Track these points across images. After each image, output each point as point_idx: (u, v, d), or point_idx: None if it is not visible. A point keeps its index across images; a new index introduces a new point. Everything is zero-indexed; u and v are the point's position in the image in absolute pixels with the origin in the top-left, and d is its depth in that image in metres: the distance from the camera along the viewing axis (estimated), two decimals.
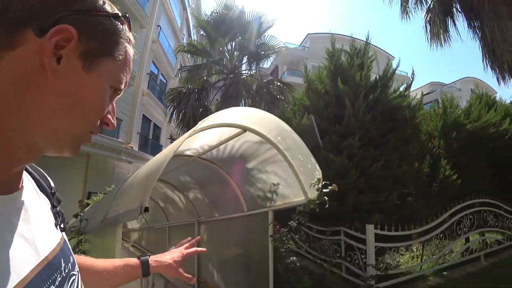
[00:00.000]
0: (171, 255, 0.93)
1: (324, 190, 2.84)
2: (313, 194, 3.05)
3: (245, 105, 6.74)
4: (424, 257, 5.36)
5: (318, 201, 2.85)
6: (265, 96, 6.94)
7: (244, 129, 2.66)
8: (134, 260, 0.84)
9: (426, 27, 8.36)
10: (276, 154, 2.99)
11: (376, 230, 4.22)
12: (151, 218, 6.73)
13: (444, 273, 5.20)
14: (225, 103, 7.09)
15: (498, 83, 6.85)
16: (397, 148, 4.26)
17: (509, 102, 8.69)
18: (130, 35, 0.49)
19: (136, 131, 13.02)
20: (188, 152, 3.37)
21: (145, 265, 0.83)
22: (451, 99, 6.70)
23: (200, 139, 3.07)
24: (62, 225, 0.53)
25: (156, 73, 14.71)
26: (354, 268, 4.61)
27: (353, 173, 3.96)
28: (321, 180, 2.89)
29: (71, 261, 0.50)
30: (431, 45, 8.27)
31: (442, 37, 8.01)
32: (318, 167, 3.04)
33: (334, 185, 2.89)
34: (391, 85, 4.96)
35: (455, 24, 8.02)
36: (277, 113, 6.37)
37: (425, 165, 5.12)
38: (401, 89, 4.78)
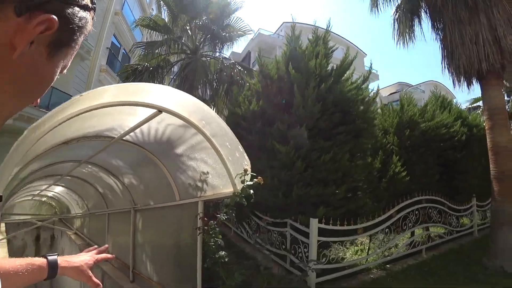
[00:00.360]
0: (81, 258, 0.86)
1: (248, 183, 2.59)
2: (242, 185, 2.80)
3: (203, 90, 6.30)
4: (370, 250, 5.42)
5: (243, 195, 2.60)
6: (225, 80, 6.54)
7: (159, 110, 2.29)
8: (40, 260, 0.75)
9: (394, 24, 8.37)
10: (203, 140, 2.68)
11: (320, 224, 4.10)
12: (92, 204, 6.19)
13: (387, 266, 5.30)
14: (180, 86, 6.60)
15: (454, 85, 6.99)
16: (347, 141, 4.12)
17: (464, 107, 9.03)
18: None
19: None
20: (107, 133, 2.94)
21: (52, 265, 0.76)
22: (410, 98, 6.76)
23: (117, 119, 2.65)
24: None
25: (118, 48, 13.62)
26: (297, 261, 4.50)
27: (300, 165, 3.76)
28: (248, 171, 2.64)
29: None
30: (397, 43, 8.30)
31: (407, 35, 8.04)
32: (246, 157, 2.77)
33: (259, 177, 2.65)
34: (349, 77, 4.79)
35: (420, 24, 8.08)
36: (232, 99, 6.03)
37: (378, 160, 5.09)
38: (358, 81, 4.63)
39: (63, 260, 0.80)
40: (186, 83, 6.32)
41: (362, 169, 4.62)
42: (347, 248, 5.01)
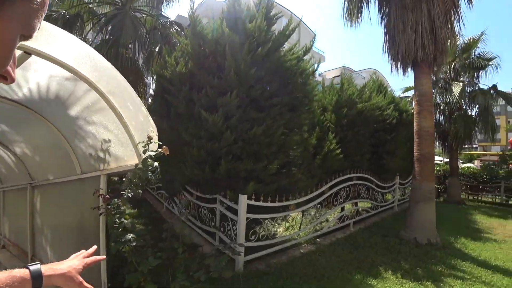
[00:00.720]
0: (68, 264, 0.80)
1: (150, 153, 2.16)
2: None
3: (134, 50, 5.37)
4: (302, 225, 5.53)
5: (145, 168, 2.18)
6: (159, 40, 5.74)
7: (27, 51, 1.65)
8: (20, 271, 0.67)
9: (344, 3, 8.30)
10: (99, 99, 2.11)
11: (250, 201, 3.90)
12: None
13: (318, 240, 5.49)
14: (103, 43, 5.59)
15: (391, 70, 7.25)
16: (283, 114, 3.89)
17: (397, 95, 9.64)
18: None
19: None
20: None
21: (36, 276, 0.68)
22: (350, 78, 6.86)
23: None
24: None
25: None
26: (226, 239, 4.30)
27: (228, 136, 3.42)
28: (153, 139, 2.20)
29: None
30: (345, 23, 8.28)
31: (355, 16, 8.04)
32: (152, 121, 2.31)
33: (164, 147, 2.23)
34: (292, 48, 4.50)
35: (368, 6, 8.14)
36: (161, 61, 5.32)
37: (314, 136, 5.04)
38: (299, 52, 4.36)
39: (48, 268, 0.74)
40: (110, 40, 5.34)
41: (298, 145, 4.50)
42: (279, 224, 4.98)
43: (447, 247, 5.29)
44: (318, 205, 5.38)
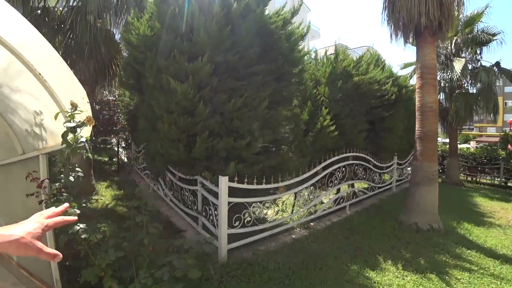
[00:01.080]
0: (23, 228, 0.62)
1: (69, 124, 1.69)
2: (86, 131, 1.88)
3: (99, 12, 4.68)
4: (294, 208, 5.15)
5: (69, 145, 1.71)
6: (132, 5, 5.07)
7: None
8: None
9: None
10: (15, 60, 1.59)
11: (231, 183, 3.45)
12: None
13: (311, 224, 5.12)
14: (70, 11, 4.96)
15: (391, 39, 6.68)
16: (267, 84, 3.38)
17: (395, 71, 9.08)
18: None
19: None
20: None
21: None
22: (345, 51, 6.30)
23: None
24: None
25: None
26: (208, 224, 3.90)
27: (202, 109, 2.92)
28: (78, 107, 1.72)
29: None
30: None
31: None
32: (80, 85, 1.82)
33: (88, 116, 1.75)
34: (279, 11, 3.93)
35: None
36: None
37: (306, 111, 4.55)
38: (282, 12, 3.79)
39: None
40: (75, 7, 4.70)
41: (287, 120, 4.02)
42: (267, 208, 4.57)
43: (450, 233, 4.93)
44: (312, 187, 4.97)
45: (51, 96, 1.69)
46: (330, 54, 6.34)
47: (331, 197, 5.76)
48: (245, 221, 3.78)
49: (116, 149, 9.52)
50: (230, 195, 3.48)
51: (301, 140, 4.49)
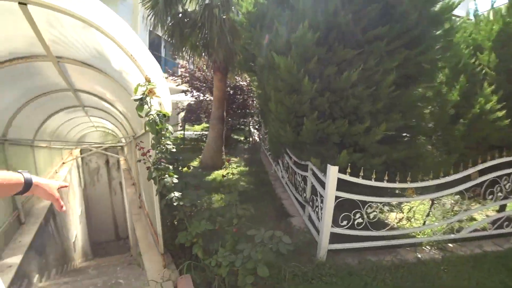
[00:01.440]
0: (52, 181, 0.95)
1: (136, 97, 1.63)
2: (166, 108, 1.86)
3: None
4: (429, 219, 3.95)
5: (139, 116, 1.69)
6: None
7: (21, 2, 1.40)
8: (17, 175, 0.82)
9: None
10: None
11: (341, 175, 2.89)
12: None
13: (450, 245, 3.79)
14: None
15: None
16: (394, 52, 2.57)
17: None
18: None
19: None
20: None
21: (27, 182, 0.84)
22: None
23: None
24: None
25: None
26: (314, 217, 3.51)
27: (307, 85, 2.50)
28: (154, 85, 1.66)
29: None
30: None
31: None
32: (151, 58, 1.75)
33: (150, 88, 1.62)
34: None
35: None
36: None
37: (456, 89, 3.29)
38: None
39: (37, 179, 0.88)
40: None
41: (425, 101, 3.02)
42: (388, 212, 3.67)
43: None
44: (458, 196, 3.66)
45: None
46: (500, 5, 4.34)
47: (490, 214, 4.09)
48: (356, 222, 3.14)
49: (251, 130, 10.60)
50: (340, 189, 2.94)
51: (447, 129, 3.29)
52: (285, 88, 2.77)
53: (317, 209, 3.41)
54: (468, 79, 3.24)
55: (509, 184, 3.85)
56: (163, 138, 2.00)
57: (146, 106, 1.77)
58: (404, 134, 3.31)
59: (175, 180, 2.15)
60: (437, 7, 2.60)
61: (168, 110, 2.04)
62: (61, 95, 3.49)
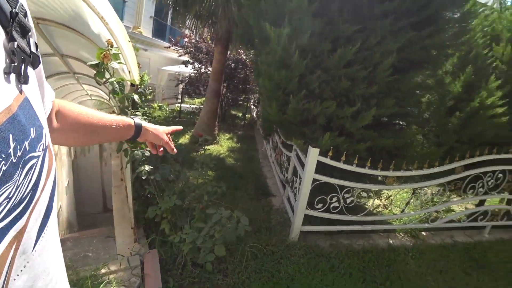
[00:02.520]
0: (162, 127, 0.93)
1: (92, 62, 1.40)
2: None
3: None
4: (408, 208, 3.98)
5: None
6: None
7: None
8: (128, 120, 0.80)
9: None
10: None
11: (321, 157, 2.78)
12: None
13: (423, 233, 3.87)
14: None
15: None
16: (399, 31, 2.30)
17: None
18: None
19: (148, 14, 11.32)
20: None
21: (138, 126, 0.82)
22: None
23: None
24: (22, 73, 0.30)
25: None
26: (291, 197, 3.49)
27: (297, 61, 2.25)
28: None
29: (32, 135, 0.30)
30: None
31: None
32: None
33: (103, 51, 1.38)
34: None
35: None
36: None
37: (460, 80, 3.07)
38: None
39: (145, 125, 0.85)
40: None
41: (424, 89, 2.82)
42: (365, 198, 3.64)
43: None
44: (440, 188, 3.64)
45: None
46: None
47: (468, 207, 4.14)
48: (332, 206, 3.11)
49: (250, 106, 10.19)
50: (322, 172, 2.86)
51: (442, 121, 3.14)
52: (275, 62, 2.52)
53: (295, 190, 3.37)
54: (474, 72, 2.99)
55: (492, 181, 3.83)
56: (129, 108, 1.81)
57: (107, 73, 1.55)
58: (397, 122, 3.15)
59: (147, 154, 2.01)
60: None
61: (135, 78, 1.83)
62: (48, 59, 3.17)
